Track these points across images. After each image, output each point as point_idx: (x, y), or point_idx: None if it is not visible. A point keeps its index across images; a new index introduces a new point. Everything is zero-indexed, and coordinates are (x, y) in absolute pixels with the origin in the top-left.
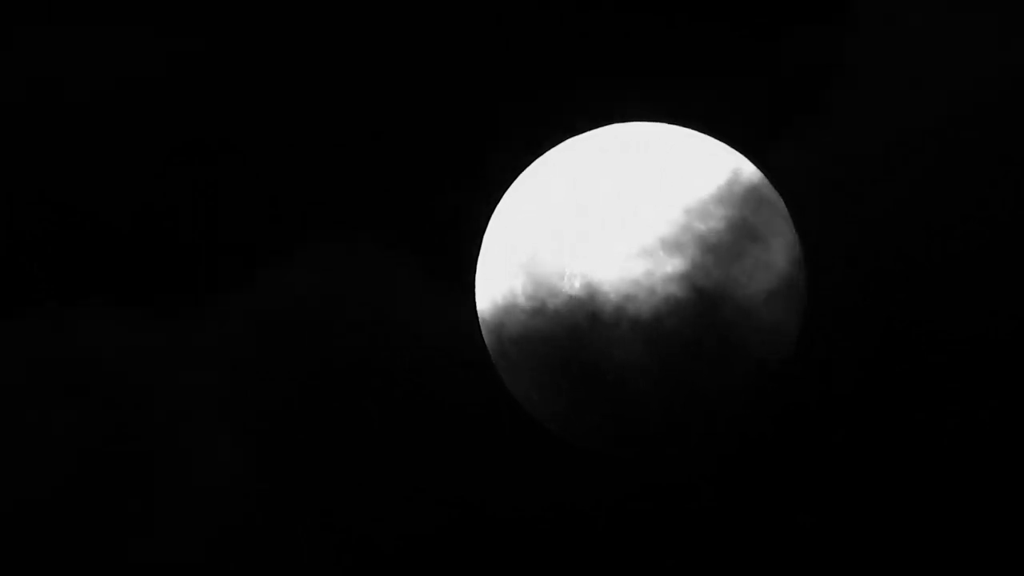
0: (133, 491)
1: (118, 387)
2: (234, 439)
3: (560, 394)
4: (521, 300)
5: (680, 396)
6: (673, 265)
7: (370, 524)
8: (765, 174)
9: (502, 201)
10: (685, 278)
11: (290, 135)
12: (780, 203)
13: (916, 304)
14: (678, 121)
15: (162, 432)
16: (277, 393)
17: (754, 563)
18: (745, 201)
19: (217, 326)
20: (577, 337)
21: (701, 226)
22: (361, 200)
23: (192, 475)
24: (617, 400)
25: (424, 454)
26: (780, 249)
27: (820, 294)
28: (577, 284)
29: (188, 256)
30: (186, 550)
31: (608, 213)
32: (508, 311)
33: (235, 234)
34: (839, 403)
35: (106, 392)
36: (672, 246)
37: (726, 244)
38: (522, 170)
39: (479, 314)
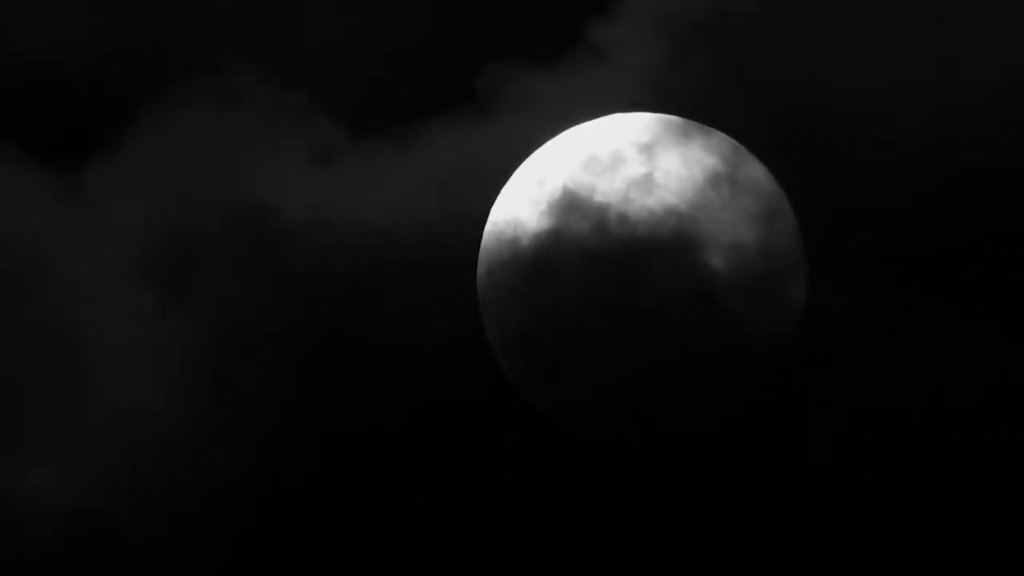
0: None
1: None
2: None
3: (562, 371)
4: (522, 283)
5: (676, 377)
6: (674, 250)
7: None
8: (767, 168)
9: (505, 187)
10: (685, 266)
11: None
12: (782, 194)
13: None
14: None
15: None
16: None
17: (752, 554)
18: (748, 192)
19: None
20: (577, 316)
21: (701, 214)
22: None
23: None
24: (614, 379)
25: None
26: (781, 235)
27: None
28: (579, 269)
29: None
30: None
31: (608, 200)
32: (508, 289)
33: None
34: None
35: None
36: (673, 234)
37: (725, 230)
38: (524, 159)
39: (479, 299)
